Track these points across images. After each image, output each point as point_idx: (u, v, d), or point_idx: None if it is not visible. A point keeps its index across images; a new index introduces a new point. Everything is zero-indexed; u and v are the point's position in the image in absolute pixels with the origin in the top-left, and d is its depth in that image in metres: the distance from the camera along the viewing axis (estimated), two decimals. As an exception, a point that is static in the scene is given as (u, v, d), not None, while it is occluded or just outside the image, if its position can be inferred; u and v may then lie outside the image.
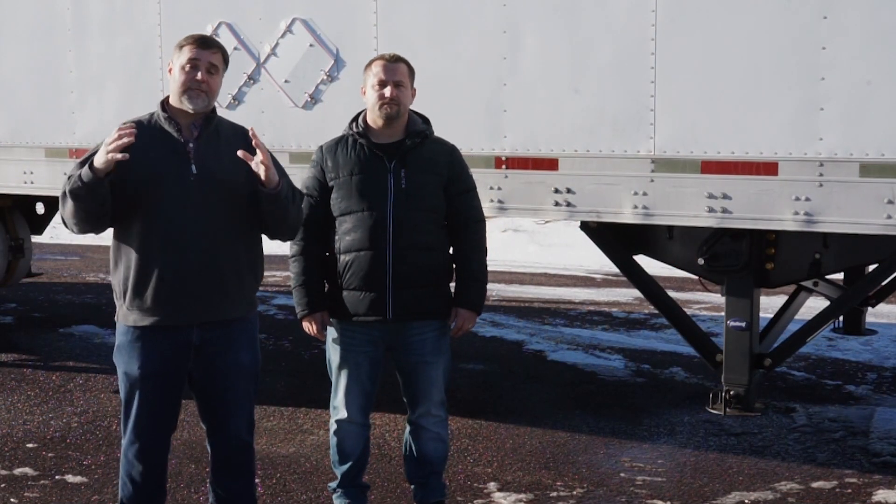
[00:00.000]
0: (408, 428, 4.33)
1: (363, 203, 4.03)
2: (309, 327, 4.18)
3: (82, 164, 3.48)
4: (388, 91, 4.02)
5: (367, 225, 4.01)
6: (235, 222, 3.67)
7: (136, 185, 3.56)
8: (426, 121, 4.22)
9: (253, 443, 3.91)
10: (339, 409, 4.22)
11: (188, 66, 3.62)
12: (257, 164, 3.55)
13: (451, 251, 4.23)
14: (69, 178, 3.49)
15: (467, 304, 4.19)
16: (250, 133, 3.59)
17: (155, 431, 3.73)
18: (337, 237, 4.09)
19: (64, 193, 3.52)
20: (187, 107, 3.63)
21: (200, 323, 3.64)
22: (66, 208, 3.54)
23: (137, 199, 3.57)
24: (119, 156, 3.37)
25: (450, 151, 4.20)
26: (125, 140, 3.37)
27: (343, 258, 4.06)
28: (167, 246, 3.57)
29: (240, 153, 3.54)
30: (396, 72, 4.05)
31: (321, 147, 4.19)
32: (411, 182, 4.04)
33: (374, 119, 4.09)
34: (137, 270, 3.59)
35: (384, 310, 4.04)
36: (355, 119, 4.17)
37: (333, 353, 4.21)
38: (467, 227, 4.19)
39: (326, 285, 4.18)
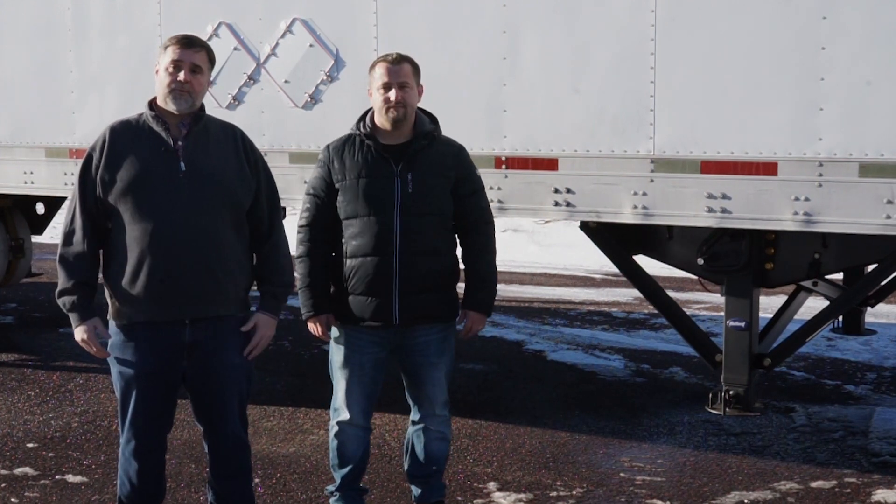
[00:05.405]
0: (411, 427, 4.32)
1: (370, 208, 3.99)
2: (314, 328, 4.16)
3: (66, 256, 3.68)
4: (392, 94, 3.99)
5: (374, 230, 3.98)
6: (226, 220, 3.68)
7: (126, 185, 3.59)
8: (434, 120, 4.17)
9: (248, 441, 3.92)
10: (339, 411, 4.19)
11: (171, 67, 3.63)
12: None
13: (458, 253, 4.21)
14: (59, 295, 3.70)
15: (476, 307, 4.18)
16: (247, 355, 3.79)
17: (151, 430, 3.74)
18: (343, 241, 4.06)
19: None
20: (172, 108, 3.65)
21: (192, 320, 3.64)
22: None
23: (127, 198, 3.59)
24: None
25: (457, 153, 4.16)
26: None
27: (349, 263, 4.04)
28: (158, 243, 3.57)
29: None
30: (400, 73, 4.01)
31: (328, 146, 4.15)
32: (418, 186, 4.00)
33: (382, 121, 4.06)
34: (129, 268, 3.60)
35: (391, 315, 4.02)
36: (363, 118, 4.12)
37: (336, 354, 4.18)
38: (475, 228, 4.16)
39: (332, 287, 4.16)
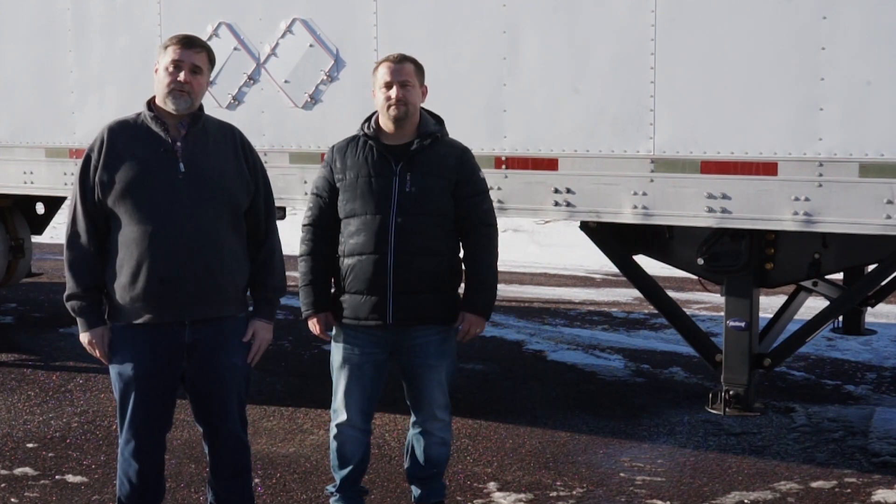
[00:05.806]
0: (411, 430, 4.31)
1: (367, 206, 4.01)
2: (314, 327, 4.17)
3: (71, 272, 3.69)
4: (393, 92, 4.00)
5: (371, 229, 3.99)
6: (225, 220, 3.68)
7: (125, 185, 3.59)
8: (440, 121, 4.17)
9: (248, 441, 3.92)
10: (339, 412, 4.19)
11: (171, 66, 3.63)
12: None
13: (461, 255, 4.19)
14: (68, 299, 3.70)
15: (474, 310, 4.15)
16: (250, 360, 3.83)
17: (150, 430, 3.74)
18: (342, 239, 4.07)
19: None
20: (171, 108, 3.64)
21: (192, 321, 3.64)
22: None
23: (126, 198, 3.59)
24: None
25: (459, 154, 4.14)
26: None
27: (346, 261, 4.05)
28: (157, 244, 3.57)
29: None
30: (402, 72, 4.03)
31: (332, 147, 4.18)
32: (417, 186, 4.00)
33: (385, 121, 4.07)
34: (128, 269, 3.60)
35: (384, 314, 4.02)
36: (368, 119, 4.14)
37: (336, 354, 4.18)
38: (476, 230, 4.14)
39: (333, 286, 4.17)
